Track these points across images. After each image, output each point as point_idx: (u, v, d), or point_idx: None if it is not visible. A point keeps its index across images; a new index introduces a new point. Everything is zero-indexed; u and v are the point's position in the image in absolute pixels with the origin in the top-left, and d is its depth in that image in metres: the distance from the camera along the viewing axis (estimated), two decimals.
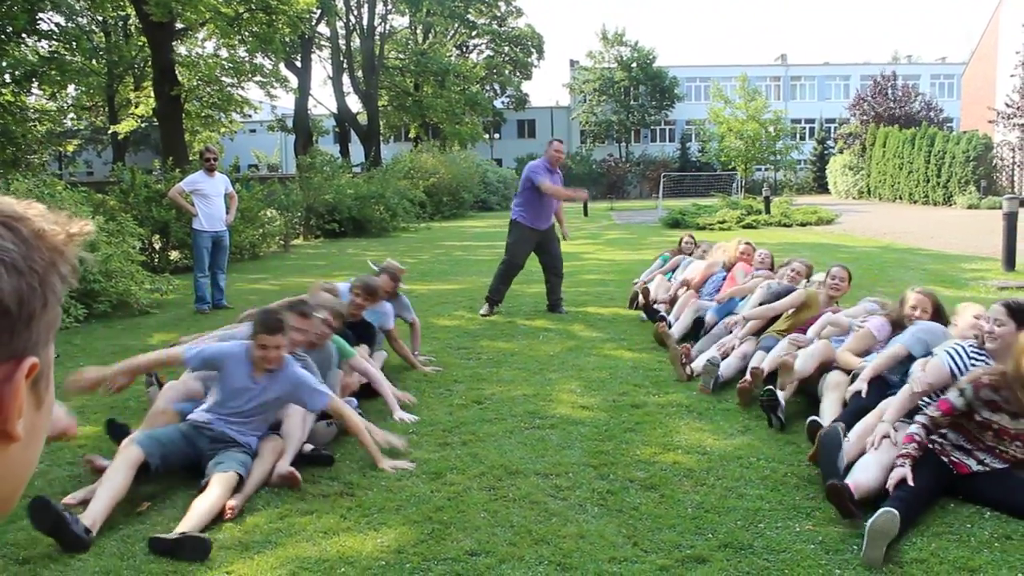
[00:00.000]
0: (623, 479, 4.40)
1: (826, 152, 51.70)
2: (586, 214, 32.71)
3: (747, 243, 8.61)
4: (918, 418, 4.08)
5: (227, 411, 4.55)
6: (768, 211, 25.06)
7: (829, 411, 4.98)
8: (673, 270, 9.68)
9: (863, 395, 4.86)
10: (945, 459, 4.00)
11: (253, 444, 4.55)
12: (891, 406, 4.45)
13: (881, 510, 3.39)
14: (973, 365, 4.35)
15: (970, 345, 4.51)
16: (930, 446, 4.04)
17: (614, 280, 12.34)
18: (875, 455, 4.06)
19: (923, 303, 5.49)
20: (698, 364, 6.46)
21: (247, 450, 4.48)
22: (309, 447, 4.84)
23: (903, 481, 3.79)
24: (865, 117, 42.11)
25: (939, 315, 5.50)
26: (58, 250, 0.67)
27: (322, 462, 4.74)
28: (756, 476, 4.39)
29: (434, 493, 4.26)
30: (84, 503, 3.96)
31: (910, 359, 5.02)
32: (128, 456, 4.11)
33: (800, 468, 4.48)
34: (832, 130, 52.51)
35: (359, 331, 6.57)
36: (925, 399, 4.41)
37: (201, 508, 3.88)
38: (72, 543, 3.61)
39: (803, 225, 23.68)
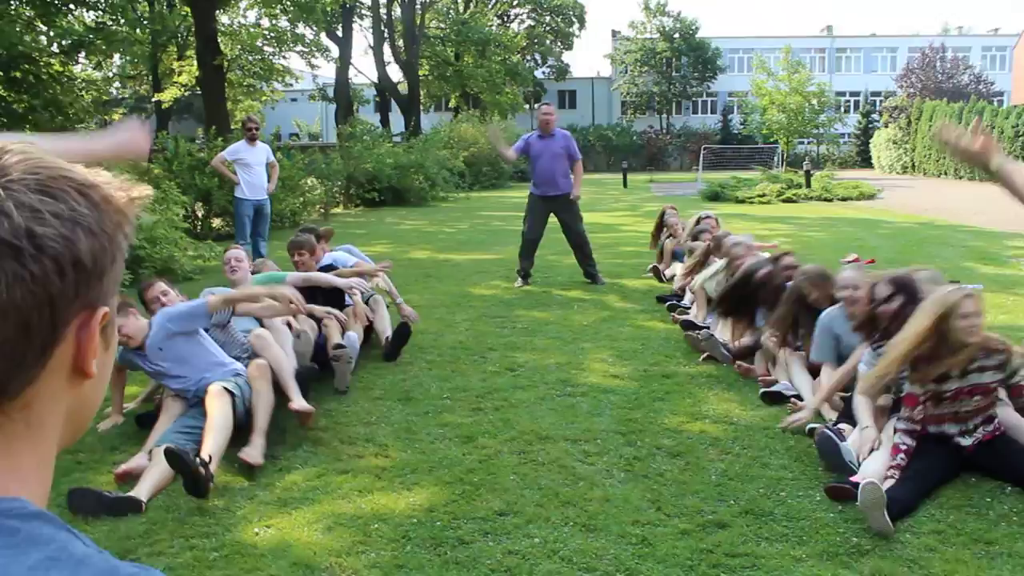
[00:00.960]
0: (650, 446, 4.50)
1: (871, 126, 50.91)
2: (625, 185, 32.62)
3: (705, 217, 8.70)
4: (897, 426, 4.06)
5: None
6: (808, 185, 24.83)
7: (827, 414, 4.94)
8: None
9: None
10: (946, 444, 4.03)
11: (242, 369, 4.87)
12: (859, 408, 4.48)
13: (862, 484, 3.44)
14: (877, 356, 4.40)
15: (872, 346, 4.55)
16: (927, 432, 4.06)
17: (650, 252, 12.36)
18: (880, 457, 4.07)
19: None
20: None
21: (239, 373, 4.81)
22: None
23: (906, 468, 3.86)
24: (912, 90, 41.42)
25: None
26: (123, 212, 0.77)
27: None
28: (781, 446, 4.47)
29: (466, 456, 4.40)
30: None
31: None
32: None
33: None
34: (877, 103, 51.71)
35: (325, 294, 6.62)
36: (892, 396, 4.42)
37: (213, 425, 4.15)
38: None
39: (844, 200, 23.44)
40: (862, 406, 4.40)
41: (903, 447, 3.93)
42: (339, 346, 5.59)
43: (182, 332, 4.80)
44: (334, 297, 6.44)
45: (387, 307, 7.00)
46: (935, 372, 3.87)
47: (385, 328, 6.60)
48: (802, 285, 5.48)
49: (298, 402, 4.73)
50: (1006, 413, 4.11)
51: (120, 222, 0.76)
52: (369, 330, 6.65)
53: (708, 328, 6.68)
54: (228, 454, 4.27)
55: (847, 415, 4.58)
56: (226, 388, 4.46)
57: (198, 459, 3.82)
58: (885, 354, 4.01)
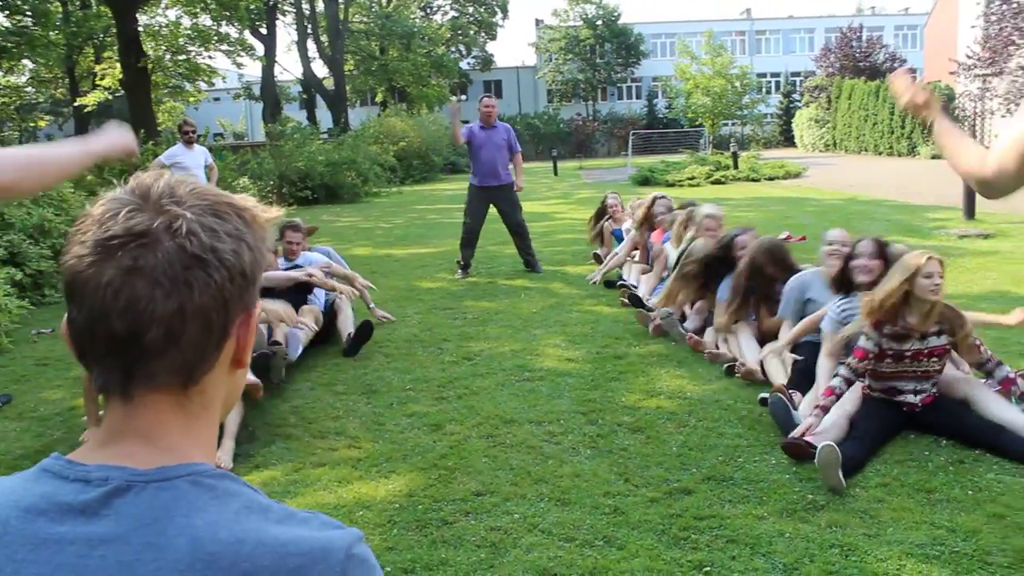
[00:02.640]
0: (611, 423, 4.73)
1: (792, 106, 52.13)
2: (556, 173, 32.95)
3: (660, 198, 8.92)
4: (839, 370, 4.35)
5: None
6: (736, 166, 25.44)
7: (776, 379, 5.14)
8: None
9: (797, 359, 5.16)
10: (889, 398, 4.35)
11: None
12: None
13: (820, 444, 3.72)
14: (844, 311, 4.74)
15: (839, 300, 4.87)
16: (872, 394, 4.38)
17: (588, 238, 12.63)
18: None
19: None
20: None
21: None
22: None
23: (850, 426, 4.18)
24: (831, 70, 42.51)
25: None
26: (265, 229, 0.95)
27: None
28: (734, 417, 4.74)
29: (436, 443, 4.57)
30: None
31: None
32: None
33: None
34: (797, 84, 52.94)
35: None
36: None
37: None
38: None
39: (771, 179, 24.08)
40: (823, 368, 4.70)
41: (837, 391, 4.24)
42: (275, 342, 5.71)
43: None
44: (298, 294, 6.59)
45: (354, 309, 7.11)
46: (896, 328, 4.19)
47: (347, 327, 6.73)
48: (758, 257, 5.75)
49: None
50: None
51: (264, 237, 0.94)
52: (330, 328, 6.77)
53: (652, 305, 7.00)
54: None
55: (798, 383, 4.87)
56: None
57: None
58: (856, 317, 4.33)
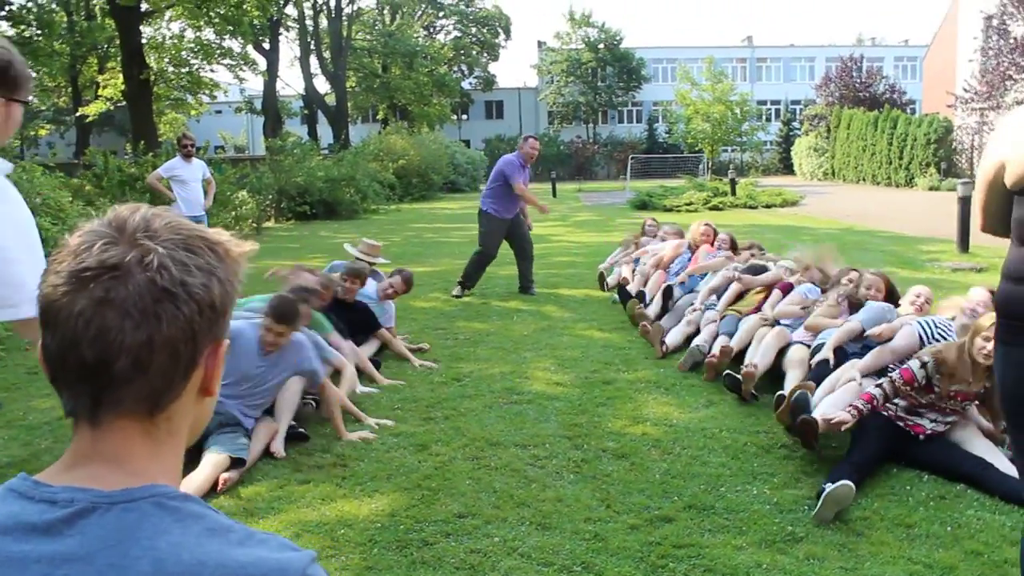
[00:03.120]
0: (596, 449, 4.75)
1: (791, 134, 52.42)
2: (555, 195, 33.07)
3: (707, 224, 9.02)
4: (880, 381, 4.48)
5: (238, 392, 4.79)
6: (734, 193, 25.55)
7: (794, 383, 5.32)
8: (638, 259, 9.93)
9: (831, 364, 5.25)
10: (901, 423, 4.41)
11: (251, 425, 4.82)
12: (863, 361, 4.94)
13: (841, 482, 3.74)
14: (941, 337, 4.82)
15: (943, 320, 4.99)
16: (884, 412, 4.44)
17: (583, 262, 12.69)
18: (841, 393, 4.52)
19: (876, 284, 5.95)
20: (671, 339, 6.92)
21: (246, 432, 4.73)
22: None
23: (854, 440, 4.27)
24: (831, 99, 42.75)
25: (892, 295, 5.97)
26: (238, 263, 0.98)
27: (298, 439, 4.99)
28: (719, 445, 4.76)
29: (421, 463, 4.59)
30: None
31: (863, 335, 5.42)
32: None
33: (759, 438, 4.86)
34: (797, 112, 53.24)
35: (358, 317, 6.85)
36: (892, 365, 4.83)
37: (190, 484, 4.10)
38: None
39: (768, 207, 24.20)
40: (870, 360, 5.01)
41: (876, 400, 4.36)
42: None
43: (298, 374, 4.96)
44: (366, 324, 6.82)
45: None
46: (952, 385, 4.35)
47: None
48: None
49: (279, 448, 4.78)
50: None
51: (237, 271, 0.98)
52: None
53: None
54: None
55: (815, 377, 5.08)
56: (231, 457, 4.38)
57: None
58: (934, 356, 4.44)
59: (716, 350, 6.13)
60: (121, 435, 0.92)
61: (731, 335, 6.38)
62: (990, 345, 4.14)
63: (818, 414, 4.34)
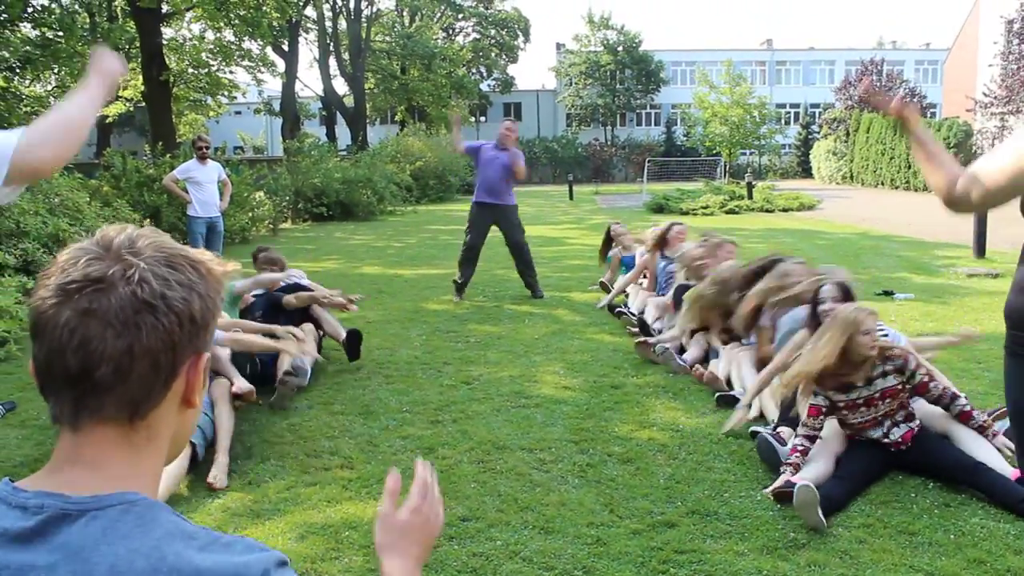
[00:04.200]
0: (602, 453, 4.77)
1: (810, 137, 52.20)
2: (571, 198, 33.08)
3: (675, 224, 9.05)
4: (799, 431, 4.36)
5: None
6: (751, 196, 25.47)
7: (769, 411, 5.25)
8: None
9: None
10: (882, 443, 4.36)
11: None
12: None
13: (796, 486, 3.74)
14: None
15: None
16: (857, 438, 4.41)
17: (597, 266, 12.67)
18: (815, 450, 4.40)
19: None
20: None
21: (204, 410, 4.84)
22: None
23: (837, 464, 4.22)
24: (850, 102, 42.56)
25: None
26: (220, 281, 1.03)
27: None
28: (724, 451, 4.77)
29: None
30: None
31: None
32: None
33: None
34: (816, 115, 53.02)
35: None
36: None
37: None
38: None
39: (785, 211, 24.11)
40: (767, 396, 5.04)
41: (800, 448, 4.24)
42: (288, 373, 5.73)
43: None
44: (299, 313, 6.70)
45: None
46: (837, 382, 4.28)
47: (338, 332, 6.82)
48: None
49: (238, 384, 5.03)
50: (919, 406, 4.50)
51: (218, 288, 1.03)
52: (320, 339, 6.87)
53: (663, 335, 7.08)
54: (201, 473, 4.45)
55: (786, 419, 4.88)
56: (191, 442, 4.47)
57: None
58: (794, 367, 4.35)
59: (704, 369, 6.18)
60: (100, 440, 0.95)
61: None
62: (876, 334, 4.21)
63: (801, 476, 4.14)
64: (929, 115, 38.88)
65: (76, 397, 0.94)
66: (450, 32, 58.27)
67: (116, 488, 0.93)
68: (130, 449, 0.97)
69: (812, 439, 4.30)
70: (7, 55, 18.92)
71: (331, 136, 41.62)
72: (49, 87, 31.91)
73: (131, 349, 0.93)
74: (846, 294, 4.87)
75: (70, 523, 0.89)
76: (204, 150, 10.89)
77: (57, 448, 0.97)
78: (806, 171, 49.92)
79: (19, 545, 0.88)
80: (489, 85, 59.21)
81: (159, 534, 0.90)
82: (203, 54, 27.93)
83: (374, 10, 47.91)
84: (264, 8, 24.58)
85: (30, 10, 19.96)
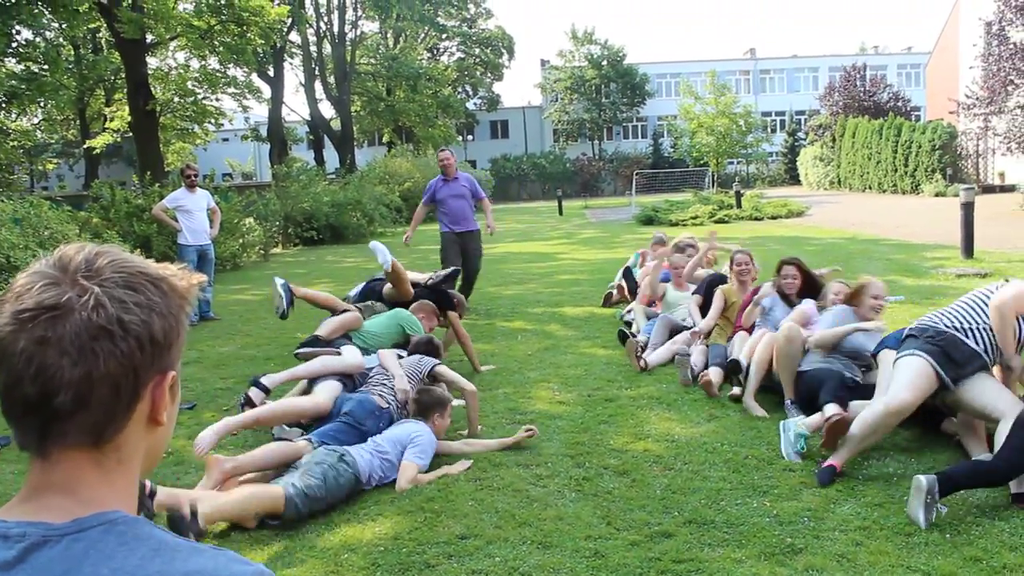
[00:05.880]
0: (598, 466, 4.78)
1: (797, 144, 52.44)
2: (560, 213, 33.14)
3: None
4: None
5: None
6: (739, 205, 25.57)
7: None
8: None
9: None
10: None
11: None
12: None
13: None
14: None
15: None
16: None
17: (588, 280, 12.72)
18: None
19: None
20: (653, 358, 7.02)
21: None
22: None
23: None
24: (835, 108, 42.75)
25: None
26: (184, 296, 1.03)
27: None
28: (720, 460, 4.78)
29: (425, 485, 4.62)
30: None
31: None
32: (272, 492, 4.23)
33: (760, 451, 4.88)
34: (802, 122, 53.26)
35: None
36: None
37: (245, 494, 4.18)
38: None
39: (774, 218, 24.19)
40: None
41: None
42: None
43: None
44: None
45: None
46: None
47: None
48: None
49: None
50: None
51: (182, 304, 1.03)
52: None
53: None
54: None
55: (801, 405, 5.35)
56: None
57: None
58: None
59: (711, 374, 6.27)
60: (70, 465, 0.96)
61: (722, 360, 6.42)
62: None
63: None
64: (914, 118, 39.02)
65: (39, 425, 0.95)
66: (435, 52, 58.47)
67: (94, 510, 0.94)
68: (100, 472, 0.97)
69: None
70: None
71: (319, 160, 41.65)
72: (35, 121, 32.01)
73: (89, 376, 0.93)
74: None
75: (52, 547, 0.89)
76: (192, 178, 10.91)
77: (29, 475, 0.98)
78: (794, 178, 50.12)
79: (4, 573, 0.89)
80: (475, 104, 59.41)
81: (143, 551, 0.91)
82: (188, 82, 27.99)
83: (358, 33, 48.03)
84: (248, 35, 24.65)
85: (15, 45, 20.02)
